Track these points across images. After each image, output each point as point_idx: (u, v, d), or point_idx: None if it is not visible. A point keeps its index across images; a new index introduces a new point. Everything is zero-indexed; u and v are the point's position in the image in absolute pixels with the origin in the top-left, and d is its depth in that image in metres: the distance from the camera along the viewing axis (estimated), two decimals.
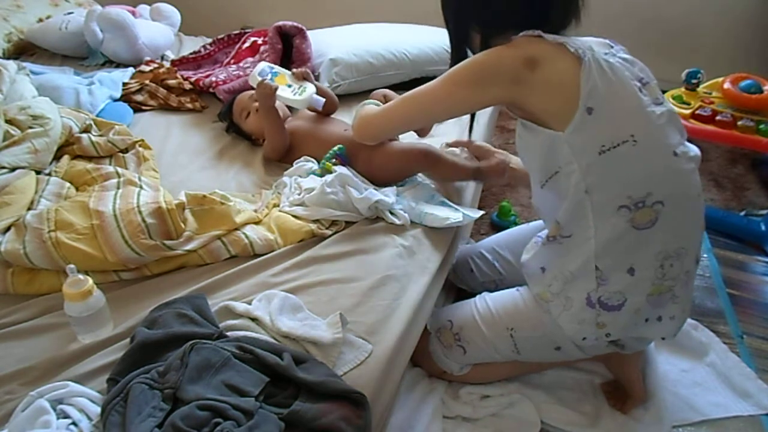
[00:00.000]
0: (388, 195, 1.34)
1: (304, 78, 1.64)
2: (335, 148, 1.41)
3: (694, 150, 1.12)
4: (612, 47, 1.13)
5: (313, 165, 1.49)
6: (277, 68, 1.67)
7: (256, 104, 1.67)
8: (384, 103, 1.39)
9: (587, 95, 1.01)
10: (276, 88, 1.56)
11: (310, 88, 1.62)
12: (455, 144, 1.49)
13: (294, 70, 1.68)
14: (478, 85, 1.08)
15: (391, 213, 1.32)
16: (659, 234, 1.06)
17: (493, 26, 1.08)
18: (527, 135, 1.11)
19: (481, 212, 1.41)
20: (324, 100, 1.62)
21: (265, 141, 1.62)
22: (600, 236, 1.06)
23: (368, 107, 1.37)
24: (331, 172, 1.39)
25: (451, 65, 1.13)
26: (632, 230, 1.05)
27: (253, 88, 1.75)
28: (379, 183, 1.39)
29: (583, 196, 1.05)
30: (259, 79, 1.59)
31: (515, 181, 1.45)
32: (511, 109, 1.16)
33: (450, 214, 1.33)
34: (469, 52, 1.17)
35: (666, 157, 1.06)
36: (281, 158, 1.60)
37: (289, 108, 1.69)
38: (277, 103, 1.59)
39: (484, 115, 1.76)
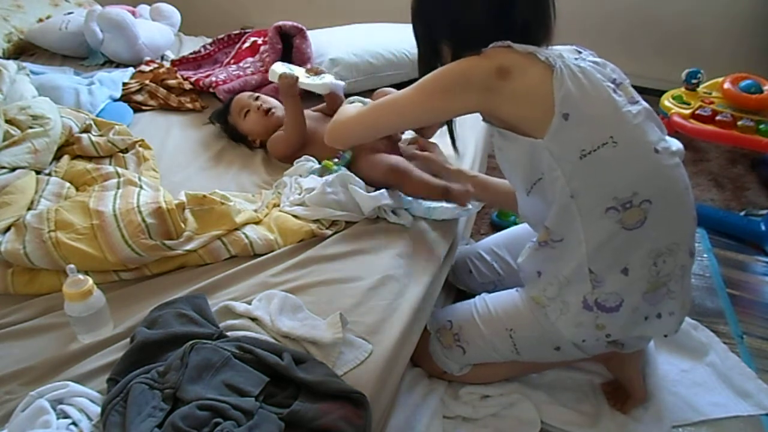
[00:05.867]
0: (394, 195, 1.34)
1: (317, 73, 1.66)
2: (346, 154, 1.43)
3: (676, 144, 1.12)
4: (581, 53, 1.14)
5: (313, 164, 1.49)
6: (292, 66, 1.69)
7: (257, 103, 1.68)
8: None
9: (561, 102, 1.02)
10: (297, 78, 1.59)
11: (328, 76, 1.65)
12: (413, 141, 1.50)
13: (308, 67, 1.70)
14: (450, 94, 1.09)
15: (394, 213, 1.32)
16: (650, 232, 1.06)
17: (465, 43, 1.09)
18: (507, 145, 1.12)
19: (482, 204, 1.43)
20: (344, 84, 1.63)
21: (271, 140, 1.62)
22: (591, 239, 1.07)
23: (347, 107, 1.36)
24: (330, 171, 1.39)
25: (420, 77, 1.14)
26: (622, 231, 1.05)
27: (256, 89, 1.76)
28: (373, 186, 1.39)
29: (569, 200, 1.06)
30: (279, 72, 1.61)
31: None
32: (487, 119, 1.17)
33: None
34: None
35: (647, 155, 1.06)
36: (288, 156, 1.61)
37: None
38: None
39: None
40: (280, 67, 1.64)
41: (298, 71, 1.64)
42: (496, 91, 1.04)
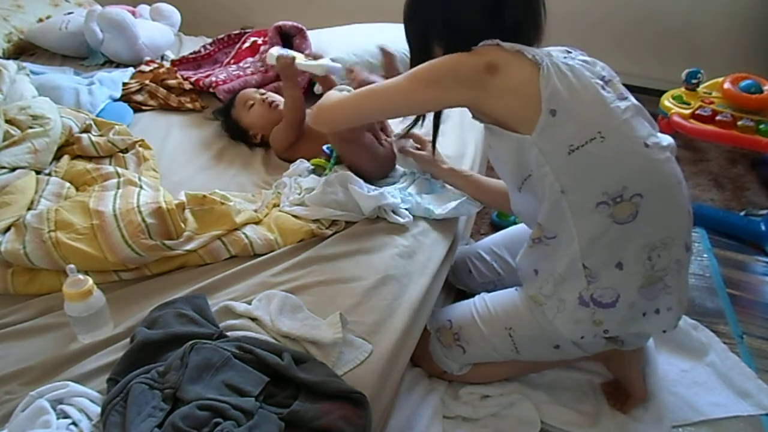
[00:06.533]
0: (393, 195, 1.34)
1: (315, 58, 1.66)
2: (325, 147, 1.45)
3: (666, 139, 1.13)
4: (570, 52, 1.15)
5: (311, 166, 1.49)
6: (291, 51, 1.68)
7: (263, 96, 1.68)
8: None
9: (548, 98, 1.03)
10: (294, 58, 1.58)
11: (325, 59, 1.65)
12: (406, 135, 1.49)
13: (306, 52, 1.70)
14: (438, 87, 1.09)
15: (394, 213, 1.32)
16: (642, 226, 1.07)
17: (459, 43, 1.10)
18: (496, 141, 1.13)
19: (481, 205, 1.43)
20: (341, 66, 1.63)
21: (273, 131, 1.62)
22: (583, 234, 1.07)
23: (334, 92, 1.35)
24: (323, 168, 1.40)
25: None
26: (614, 225, 1.06)
27: (254, 88, 1.76)
28: (365, 179, 1.38)
29: (559, 196, 1.06)
30: (277, 54, 1.60)
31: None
32: (476, 116, 1.17)
33: (455, 199, 1.38)
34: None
35: (637, 150, 1.07)
36: (292, 143, 1.60)
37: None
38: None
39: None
40: (277, 50, 1.63)
41: (296, 54, 1.64)
42: (485, 86, 1.05)
